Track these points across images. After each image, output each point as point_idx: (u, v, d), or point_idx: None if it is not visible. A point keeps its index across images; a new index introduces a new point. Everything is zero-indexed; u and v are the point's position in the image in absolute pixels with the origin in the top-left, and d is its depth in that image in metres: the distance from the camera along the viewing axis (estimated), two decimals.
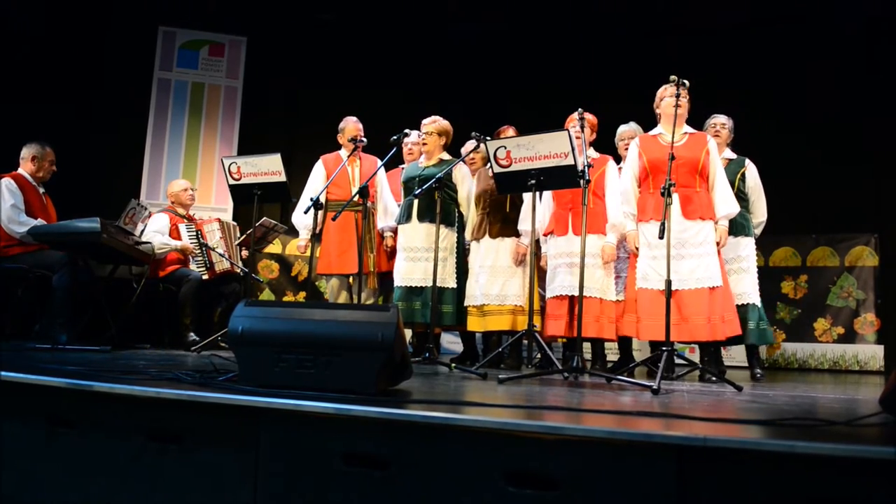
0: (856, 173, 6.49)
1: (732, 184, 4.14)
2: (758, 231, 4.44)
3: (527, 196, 4.19)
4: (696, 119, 4.17)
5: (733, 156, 4.41)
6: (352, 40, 7.61)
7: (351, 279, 4.79)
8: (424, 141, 4.63)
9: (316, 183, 4.89)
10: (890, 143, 6.30)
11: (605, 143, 4.38)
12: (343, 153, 4.92)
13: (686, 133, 4.00)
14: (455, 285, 4.48)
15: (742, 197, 4.27)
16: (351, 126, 4.95)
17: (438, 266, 4.18)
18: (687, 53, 6.83)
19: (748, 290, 4.20)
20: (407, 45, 7.52)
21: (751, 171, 4.37)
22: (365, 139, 4.87)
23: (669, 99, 3.90)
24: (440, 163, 4.58)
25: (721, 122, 4.42)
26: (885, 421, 1.85)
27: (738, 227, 4.19)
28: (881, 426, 1.81)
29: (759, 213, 4.41)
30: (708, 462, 1.54)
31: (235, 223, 5.71)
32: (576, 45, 7.49)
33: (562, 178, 3.51)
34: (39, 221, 4.38)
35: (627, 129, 4.68)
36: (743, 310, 4.14)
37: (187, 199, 5.52)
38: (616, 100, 5.33)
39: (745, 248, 4.26)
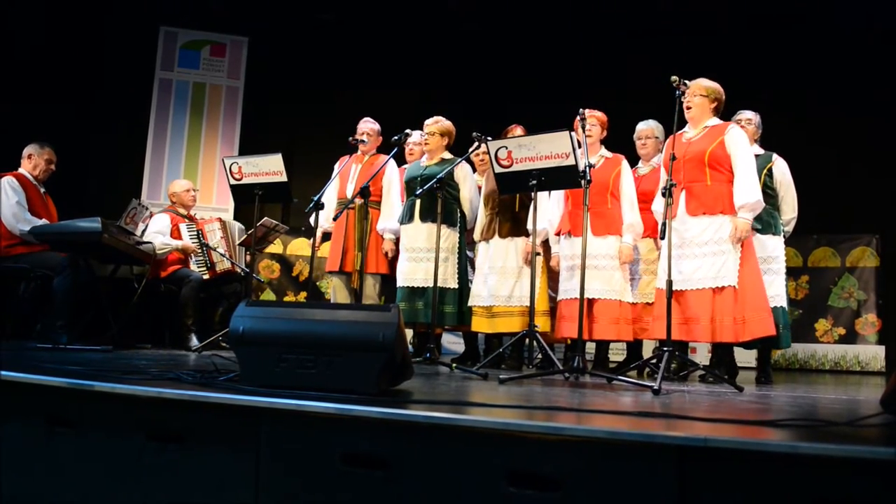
0: (857, 174, 6.49)
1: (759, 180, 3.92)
2: (788, 229, 4.26)
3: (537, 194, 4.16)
4: (727, 112, 4.09)
5: (761, 151, 4.22)
6: (353, 40, 7.62)
7: (354, 280, 4.77)
8: (427, 141, 4.63)
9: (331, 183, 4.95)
10: (891, 144, 6.30)
11: (608, 142, 4.37)
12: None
13: (706, 127, 3.83)
14: (456, 285, 4.47)
15: (769, 193, 4.07)
16: (358, 125, 4.98)
17: (440, 266, 4.18)
18: (687, 53, 6.82)
19: (779, 292, 4.02)
20: (408, 45, 7.53)
21: (778, 165, 4.19)
22: (363, 139, 4.88)
23: (683, 99, 3.74)
24: (442, 162, 4.57)
25: (747, 117, 4.26)
26: (887, 422, 1.84)
27: (763, 224, 4.01)
28: (882, 427, 1.80)
29: (788, 210, 4.23)
30: (709, 462, 1.54)
31: (242, 226, 5.70)
32: (576, 45, 7.49)
33: (563, 178, 3.51)
34: (43, 221, 4.39)
35: (645, 128, 4.58)
36: (774, 313, 3.88)
37: (189, 199, 5.52)
38: (616, 99, 5.33)
39: (774, 249, 4.08)
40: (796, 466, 1.48)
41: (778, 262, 4.10)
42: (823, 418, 1.97)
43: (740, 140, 3.73)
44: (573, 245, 4.11)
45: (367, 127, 4.97)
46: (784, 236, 4.22)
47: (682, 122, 3.96)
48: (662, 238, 3.35)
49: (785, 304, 4.07)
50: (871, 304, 6.43)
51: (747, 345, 3.86)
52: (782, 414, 2.18)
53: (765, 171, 4.13)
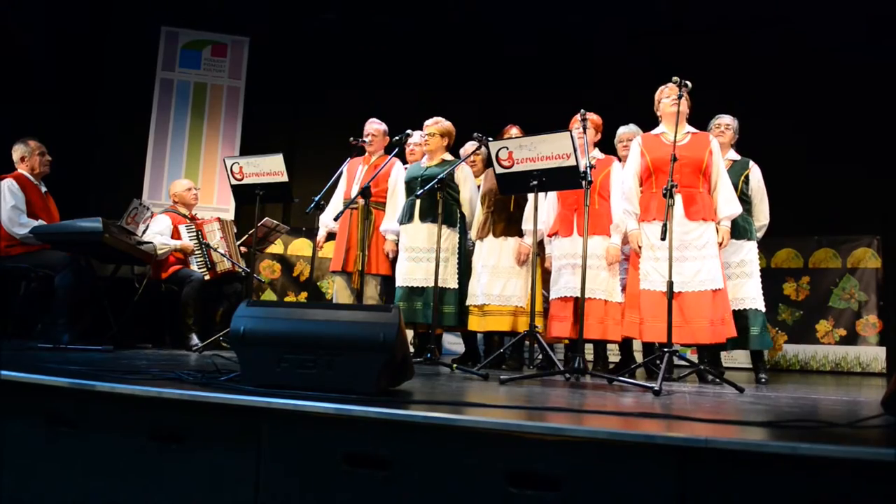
0: (858, 175, 6.48)
1: (735, 186, 4.08)
2: (759, 234, 4.36)
3: (531, 195, 4.19)
4: (699, 119, 4.14)
5: (737, 157, 4.33)
6: (354, 40, 7.62)
7: (356, 281, 4.77)
8: (427, 141, 4.64)
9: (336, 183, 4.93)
10: (892, 145, 6.29)
11: (608, 144, 4.38)
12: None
13: (688, 133, 3.96)
14: (456, 286, 4.47)
15: (745, 199, 4.19)
16: (365, 126, 5.02)
17: (440, 266, 4.18)
18: (687, 53, 6.82)
19: (752, 294, 4.11)
20: (409, 45, 7.53)
21: (754, 173, 4.29)
22: (366, 140, 4.90)
23: (667, 100, 3.90)
24: (442, 163, 4.58)
25: (726, 122, 4.35)
26: (887, 423, 1.84)
27: (739, 230, 4.12)
28: (883, 428, 1.80)
29: (762, 217, 4.33)
30: (709, 463, 1.54)
31: (231, 219, 5.72)
32: (576, 44, 7.49)
33: (564, 179, 3.51)
34: (40, 222, 4.38)
35: (627, 131, 4.64)
36: (745, 315, 4.06)
37: (191, 198, 5.52)
38: (616, 100, 5.32)
39: (748, 252, 4.18)
40: (797, 467, 1.48)
41: (752, 266, 4.17)
42: (824, 419, 1.97)
43: (720, 152, 3.97)
44: (563, 245, 4.16)
45: (373, 128, 4.98)
46: (756, 241, 4.28)
47: (653, 123, 4.01)
48: (663, 239, 3.35)
49: (762, 307, 4.12)
50: (871, 305, 6.42)
51: (722, 346, 3.98)
52: (783, 415, 2.18)
53: (742, 177, 4.23)
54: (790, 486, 1.49)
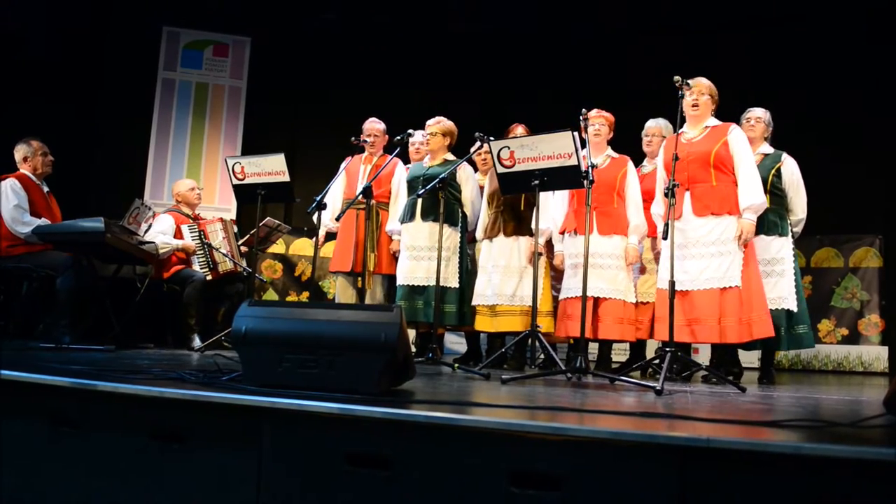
0: (860, 174, 6.47)
1: (766, 180, 3.93)
2: (797, 230, 4.17)
3: (541, 194, 4.16)
4: (728, 113, 4.06)
5: (770, 150, 4.16)
6: (355, 40, 7.63)
7: (360, 281, 4.77)
8: (428, 141, 4.64)
9: (336, 182, 4.95)
10: (894, 144, 6.28)
11: (615, 143, 4.37)
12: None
13: (707, 127, 3.84)
14: (457, 285, 4.46)
15: (777, 194, 4.03)
16: (364, 126, 5.02)
17: (441, 265, 4.18)
18: (687, 53, 6.82)
19: (783, 294, 3.93)
20: (410, 45, 7.53)
21: (787, 165, 4.10)
22: (366, 139, 4.91)
23: (684, 99, 3.81)
24: (444, 163, 4.58)
25: (756, 115, 4.19)
26: (890, 422, 1.84)
27: (769, 225, 3.96)
28: (886, 428, 1.80)
29: (797, 211, 4.12)
30: (711, 463, 1.54)
31: (232, 219, 5.73)
32: (576, 44, 7.49)
33: (565, 178, 3.51)
34: (43, 221, 4.39)
35: (654, 125, 4.57)
36: (776, 314, 3.87)
37: (194, 198, 5.52)
38: (616, 100, 5.32)
39: (781, 250, 4.00)
40: (799, 467, 1.48)
41: (783, 264, 4.00)
42: (826, 419, 1.96)
43: (743, 141, 3.78)
44: (578, 244, 4.07)
45: (374, 127, 4.99)
46: (793, 237, 4.14)
47: (681, 122, 3.98)
48: (665, 238, 3.34)
49: (792, 307, 3.95)
50: (874, 304, 6.41)
51: (747, 346, 3.87)
52: (785, 414, 2.18)
53: (773, 170, 4.08)
54: (792, 485, 1.49)
